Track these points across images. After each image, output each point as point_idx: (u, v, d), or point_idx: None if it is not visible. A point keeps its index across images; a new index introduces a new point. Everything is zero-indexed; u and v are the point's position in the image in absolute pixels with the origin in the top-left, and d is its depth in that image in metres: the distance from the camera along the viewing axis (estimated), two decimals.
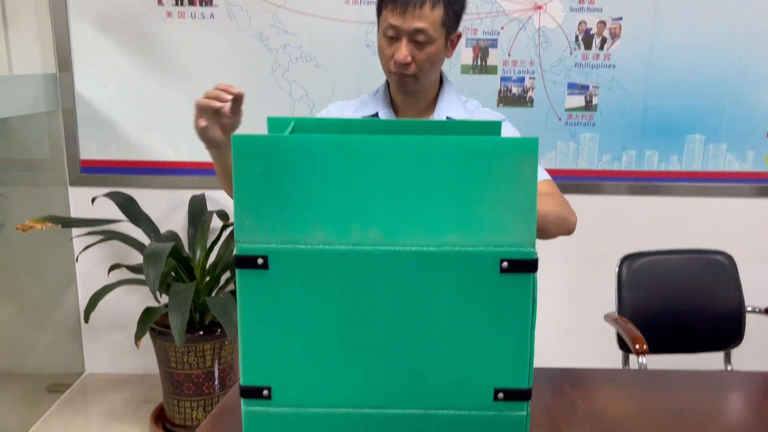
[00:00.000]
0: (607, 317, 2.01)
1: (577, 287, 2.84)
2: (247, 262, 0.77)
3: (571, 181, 2.71)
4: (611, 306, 2.09)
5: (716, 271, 2.07)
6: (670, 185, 2.71)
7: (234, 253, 0.78)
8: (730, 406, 1.27)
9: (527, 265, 0.78)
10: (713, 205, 2.73)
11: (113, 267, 2.41)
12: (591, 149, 2.67)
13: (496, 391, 0.82)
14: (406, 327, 0.80)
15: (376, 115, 1.44)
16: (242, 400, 0.83)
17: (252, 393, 0.82)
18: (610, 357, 2.42)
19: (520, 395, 0.83)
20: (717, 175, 2.69)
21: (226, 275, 2.51)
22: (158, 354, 2.40)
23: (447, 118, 1.45)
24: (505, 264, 0.78)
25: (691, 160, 2.68)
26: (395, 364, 0.81)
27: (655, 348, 1.99)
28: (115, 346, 2.92)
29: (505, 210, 0.78)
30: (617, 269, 2.06)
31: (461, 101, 1.48)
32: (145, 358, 2.85)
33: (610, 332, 2.07)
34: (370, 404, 0.83)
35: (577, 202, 2.78)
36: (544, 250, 2.95)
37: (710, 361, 2.15)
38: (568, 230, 1.41)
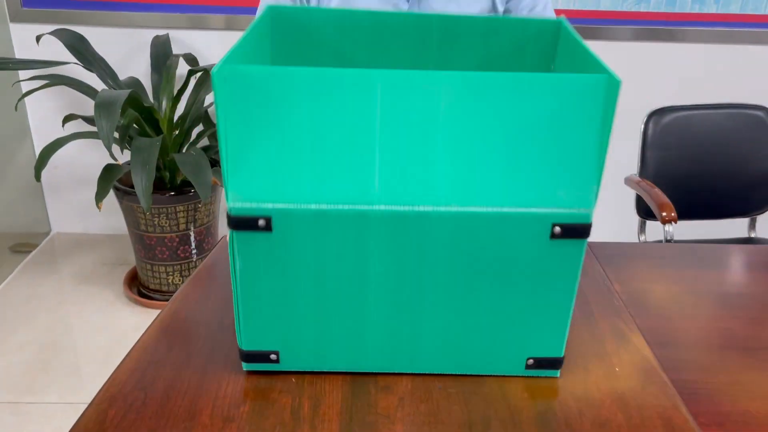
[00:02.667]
0: (629, 180, 1.79)
1: None
2: (245, 223, 0.68)
3: (591, 25, 2.38)
4: (631, 168, 1.87)
5: (754, 127, 1.83)
6: (703, 30, 2.38)
7: (228, 212, 0.67)
8: None
9: (581, 231, 0.68)
10: (754, 53, 2.43)
11: (67, 118, 2.11)
12: None
13: (528, 359, 0.78)
14: (434, 292, 0.72)
15: None
16: (245, 365, 0.79)
17: (256, 358, 0.77)
18: (625, 223, 2.24)
19: (553, 363, 0.79)
20: (756, 18, 2.36)
21: (198, 129, 2.23)
22: (126, 216, 2.18)
23: None
24: (557, 229, 0.68)
25: (728, 2, 2.34)
26: (420, 329, 0.75)
27: (682, 214, 1.79)
28: (82, 204, 2.69)
29: (565, 162, 0.66)
30: (642, 126, 1.81)
31: None
32: (116, 218, 2.63)
33: (626, 196, 1.86)
34: (395, 366, 0.79)
35: (601, 48, 2.48)
36: None
37: (730, 227, 1.97)
38: None
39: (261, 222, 0.67)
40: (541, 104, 0.65)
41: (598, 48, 2.42)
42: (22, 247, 2.59)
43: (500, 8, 1.24)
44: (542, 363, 0.79)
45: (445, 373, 0.79)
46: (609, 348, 0.88)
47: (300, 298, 0.73)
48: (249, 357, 0.77)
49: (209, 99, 2.24)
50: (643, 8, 2.35)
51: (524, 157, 0.67)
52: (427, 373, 0.79)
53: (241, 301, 0.74)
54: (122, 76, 2.25)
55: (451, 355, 0.77)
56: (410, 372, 0.79)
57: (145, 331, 0.90)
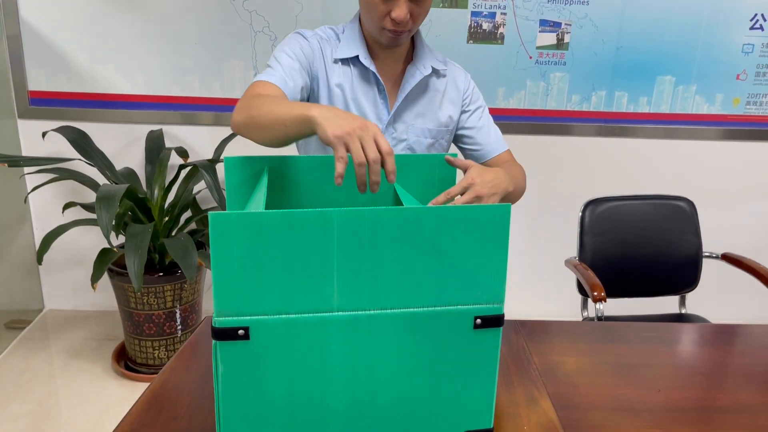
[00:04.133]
0: (568, 263, 2.02)
1: (541, 230, 2.85)
2: (226, 334, 0.82)
3: (539, 122, 2.67)
4: (573, 249, 2.10)
5: (677, 216, 2.08)
6: (638, 127, 2.69)
7: (213, 324, 0.81)
8: (681, 360, 1.29)
9: (497, 321, 0.88)
10: (680, 147, 2.73)
11: (67, 205, 2.33)
12: (561, 89, 2.62)
13: None
14: (385, 377, 0.89)
15: (357, 58, 1.39)
16: None
17: None
18: (569, 301, 2.46)
19: None
20: (685, 117, 2.67)
21: (186, 215, 2.45)
22: (117, 294, 2.37)
23: (431, 67, 1.44)
24: (478, 321, 0.88)
25: (660, 102, 2.65)
26: (375, 408, 0.91)
27: (614, 292, 2.02)
28: (75, 282, 2.88)
29: (478, 271, 0.87)
30: (580, 214, 2.06)
31: (432, 52, 1.47)
32: (105, 295, 2.81)
33: (571, 276, 2.09)
34: None
35: (545, 143, 2.77)
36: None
37: (666, 304, 2.20)
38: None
39: (240, 332, 0.82)
40: (459, 229, 0.85)
41: (545, 142, 2.71)
42: (17, 323, 2.75)
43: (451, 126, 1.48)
44: None
45: None
46: (521, 411, 1.08)
47: (273, 393, 0.87)
48: None
49: (198, 188, 2.47)
50: (585, 108, 2.65)
51: (449, 269, 0.87)
52: None
53: (222, 399, 0.86)
54: (118, 167, 2.49)
55: (401, 429, 0.93)
56: None
57: (138, 399, 1.09)
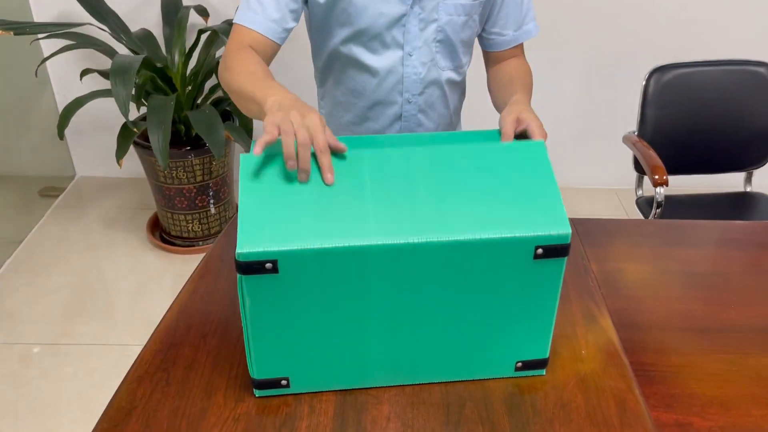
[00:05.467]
0: (626, 139, 1.84)
1: (597, 98, 2.61)
2: (252, 267, 0.74)
3: None
4: (631, 120, 1.91)
5: (754, 84, 1.85)
6: None
7: (236, 258, 0.73)
8: (758, 268, 1.16)
9: (561, 250, 0.78)
10: (760, 5, 2.39)
11: (84, 72, 2.18)
12: None
13: (517, 363, 0.88)
14: (430, 313, 0.81)
15: None
16: (257, 392, 0.85)
17: (268, 385, 0.85)
18: (623, 175, 2.30)
19: (539, 364, 0.89)
20: None
21: (210, 82, 2.29)
22: (145, 168, 2.29)
23: None
24: (540, 251, 0.78)
25: None
26: (419, 346, 0.84)
27: (673, 168, 1.85)
28: (104, 148, 2.79)
29: (534, 194, 0.80)
30: (644, 83, 1.84)
31: None
32: (136, 162, 2.74)
33: (626, 151, 1.92)
34: (396, 380, 0.88)
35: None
36: (563, 50, 2.67)
37: (730, 181, 2.02)
38: None
39: (268, 265, 0.73)
40: (501, 167, 0.83)
41: None
42: (51, 191, 2.73)
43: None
44: (530, 365, 0.88)
45: (443, 381, 0.88)
46: (579, 331, 0.99)
47: (307, 331, 0.80)
48: (261, 385, 0.84)
49: (220, 52, 2.29)
50: None
51: (500, 192, 0.80)
52: (426, 382, 0.88)
53: (252, 336, 0.80)
54: (133, 28, 2.29)
55: (448, 366, 0.87)
56: (411, 383, 0.88)
57: (166, 313, 1.02)
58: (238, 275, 0.74)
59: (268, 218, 0.75)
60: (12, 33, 1.79)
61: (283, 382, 0.84)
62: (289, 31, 1.15)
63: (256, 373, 0.83)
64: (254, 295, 0.76)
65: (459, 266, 0.78)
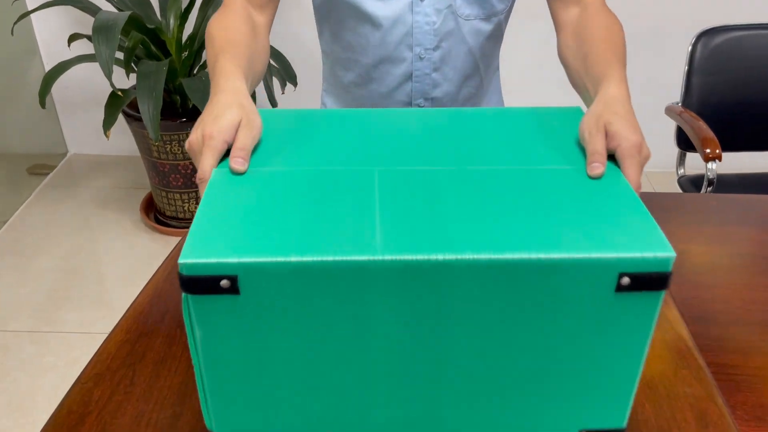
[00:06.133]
0: (670, 110, 1.65)
1: (637, 66, 2.41)
2: (203, 285, 0.51)
3: None
4: (674, 95, 1.71)
5: None
6: None
7: (179, 272, 0.51)
8: None
9: (658, 281, 0.52)
10: None
11: (72, 37, 2.00)
12: None
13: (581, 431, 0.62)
14: (467, 359, 0.56)
15: None
16: None
17: None
18: (661, 154, 2.10)
19: None
20: None
21: None
22: (138, 142, 2.11)
23: None
24: (625, 280, 0.52)
25: None
26: (442, 408, 0.60)
27: (723, 146, 1.65)
28: (97, 124, 2.60)
29: (613, 217, 0.55)
30: (690, 48, 1.64)
31: None
32: (131, 139, 2.57)
33: (667, 125, 1.72)
34: None
35: None
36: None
37: None
38: None
39: (224, 282, 0.51)
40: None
41: None
42: (40, 168, 2.56)
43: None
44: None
45: None
46: None
47: (283, 376, 0.57)
48: None
49: None
50: None
51: (566, 197, 0.56)
52: None
53: (207, 379, 0.57)
54: None
55: None
56: None
57: (139, 294, 0.85)
58: (183, 295, 0.52)
59: (232, 223, 0.54)
60: None
61: None
62: None
63: (216, 426, 0.61)
64: (207, 324, 0.54)
65: (501, 299, 0.53)
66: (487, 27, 1.01)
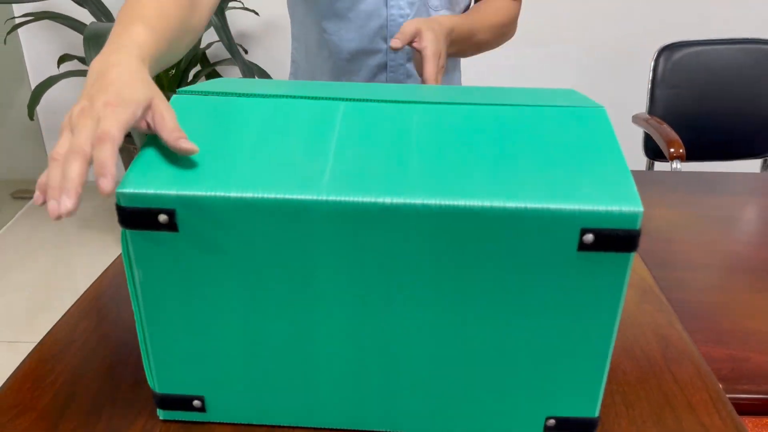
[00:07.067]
0: (637, 118, 1.73)
1: (603, 83, 2.52)
2: (140, 218, 0.48)
3: None
4: (640, 107, 1.80)
5: None
6: None
7: (116, 203, 0.48)
8: None
9: (626, 240, 0.47)
10: None
11: (62, 59, 2.07)
12: None
13: (548, 420, 0.55)
14: (417, 320, 0.51)
15: None
16: (161, 412, 0.58)
17: (175, 404, 0.57)
18: (632, 163, 2.18)
19: (584, 427, 0.56)
20: None
21: (195, 69, 2.18)
22: (125, 160, 2.15)
23: None
24: (588, 237, 0.46)
25: None
26: (391, 372, 0.54)
27: (690, 155, 1.73)
28: None
29: (581, 167, 0.49)
30: (652, 63, 1.74)
31: None
32: (117, 162, 2.61)
33: (635, 135, 1.80)
34: (358, 422, 0.57)
35: None
36: (561, 40, 2.58)
37: (746, 168, 1.91)
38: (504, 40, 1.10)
39: (162, 217, 0.48)
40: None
41: None
42: (24, 193, 2.58)
43: None
44: (568, 425, 0.56)
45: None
46: None
47: (226, 329, 0.53)
48: (165, 403, 0.58)
49: (206, 39, 2.18)
50: None
51: (539, 155, 0.50)
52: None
53: (148, 327, 0.54)
54: (115, 15, 2.19)
55: (434, 409, 0.56)
56: (380, 430, 0.58)
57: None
58: (122, 230, 0.50)
59: (176, 157, 0.50)
60: None
61: (196, 403, 0.57)
62: None
63: (158, 384, 0.57)
64: (146, 263, 0.50)
65: (455, 255, 0.48)
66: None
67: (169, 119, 0.51)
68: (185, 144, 0.50)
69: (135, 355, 0.67)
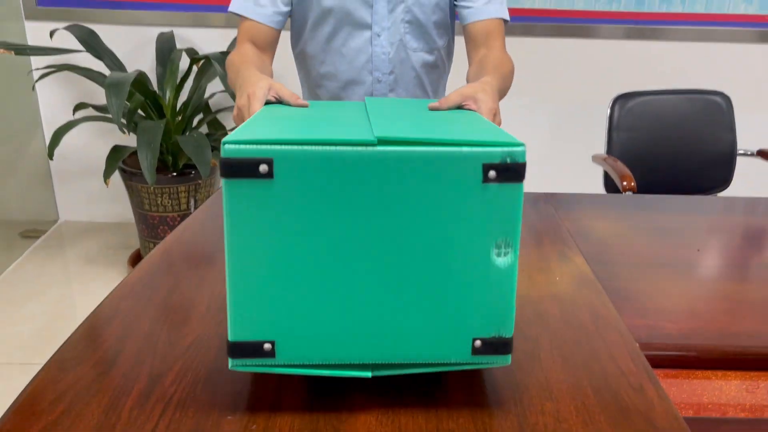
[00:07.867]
0: (595, 157, 1.94)
1: (565, 130, 2.75)
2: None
3: (565, 23, 2.54)
4: (600, 149, 2.02)
5: (712, 112, 1.98)
6: (670, 29, 2.55)
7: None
8: (722, 225, 1.22)
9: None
10: (714, 50, 2.60)
11: (78, 106, 2.27)
12: None
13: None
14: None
15: None
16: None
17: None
18: None
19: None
20: (721, 18, 2.53)
21: (198, 117, 2.39)
22: (131, 197, 2.33)
23: None
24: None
25: (694, 2, 2.51)
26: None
27: (643, 190, 1.94)
28: (89, 192, 2.84)
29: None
30: (609, 110, 1.97)
31: None
32: (120, 205, 2.78)
33: (596, 174, 2.01)
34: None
35: (570, 46, 2.65)
36: (530, 93, 2.82)
37: None
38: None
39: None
40: None
41: (572, 44, 2.59)
42: (32, 233, 2.73)
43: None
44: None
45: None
46: (553, 265, 1.02)
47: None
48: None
49: (210, 89, 2.40)
50: (614, 8, 2.52)
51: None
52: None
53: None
54: (129, 69, 2.41)
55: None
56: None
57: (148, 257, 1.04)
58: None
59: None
60: (12, 52, 1.88)
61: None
62: (283, 14, 1.24)
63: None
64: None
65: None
66: (430, 58, 1.32)
67: (287, 91, 0.92)
68: (301, 101, 0.89)
69: (128, 367, 0.74)
